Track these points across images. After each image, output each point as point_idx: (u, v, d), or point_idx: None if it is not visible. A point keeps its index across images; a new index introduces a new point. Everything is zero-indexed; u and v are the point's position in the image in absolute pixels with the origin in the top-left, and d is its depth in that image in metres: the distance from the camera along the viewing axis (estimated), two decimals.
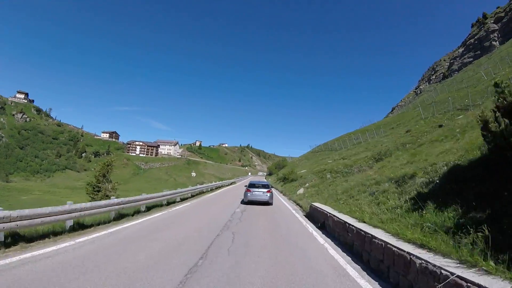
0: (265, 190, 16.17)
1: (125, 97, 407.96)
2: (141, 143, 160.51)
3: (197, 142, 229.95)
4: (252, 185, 16.75)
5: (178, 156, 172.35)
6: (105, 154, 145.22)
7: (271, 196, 16.14)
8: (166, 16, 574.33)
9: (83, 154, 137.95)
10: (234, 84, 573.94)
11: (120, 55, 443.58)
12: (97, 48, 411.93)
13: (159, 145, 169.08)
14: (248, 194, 15.97)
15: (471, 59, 61.91)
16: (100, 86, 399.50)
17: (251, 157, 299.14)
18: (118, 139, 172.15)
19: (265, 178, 63.68)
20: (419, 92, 75.22)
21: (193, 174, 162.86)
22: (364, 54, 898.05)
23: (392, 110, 71.16)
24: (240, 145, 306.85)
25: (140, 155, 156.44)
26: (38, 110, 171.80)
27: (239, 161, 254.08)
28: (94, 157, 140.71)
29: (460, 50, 71.20)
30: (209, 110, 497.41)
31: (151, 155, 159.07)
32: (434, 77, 76.98)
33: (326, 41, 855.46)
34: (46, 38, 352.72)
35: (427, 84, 76.58)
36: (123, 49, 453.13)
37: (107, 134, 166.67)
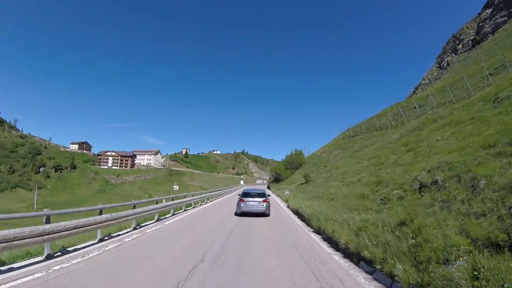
0: (261, 199, 14.63)
1: (113, 113, 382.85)
2: (113, 154, 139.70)
3: (184, 150, 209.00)
4: (246, 194, 15.03)
5: (159, 167, 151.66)
6: (68, 169, 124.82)
7: (268, 206, 14.59)
8: (146, 22, 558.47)
9: (41, 169, 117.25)
10: (225, 90, 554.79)
11: (110, 69, 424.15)
12: (92, 63, 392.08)
13: (135, 155, 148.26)
14: (242, 205, 14.48)
15: (504, 18, 53.20)
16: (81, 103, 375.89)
17: (247, 164, 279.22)
18: (90, 150, 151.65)
19: (271, 191, 42.47)
20: (445, 65, 62.45)
21: (175, 187, 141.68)
22: (362, 47, 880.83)
23: (415, 91, 55.57)
24: (235, 152, 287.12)
25: (113, 167, 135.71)
26: (1, 122, 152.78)
27: (233, 168, 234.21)
28: (55, 172, 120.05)
29: (488, 11, 59.53)
30: (199, 118, 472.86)
31: (125, 166, 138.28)
32: (460, 46, 64.79)
33: (319, 38, 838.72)
34: (34, 53, 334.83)
35: (454, 55, 64.14)
36: (116, 62, 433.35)
37: (76, 145, 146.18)
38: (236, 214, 14.81)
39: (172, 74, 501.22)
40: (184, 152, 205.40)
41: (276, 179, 55.97)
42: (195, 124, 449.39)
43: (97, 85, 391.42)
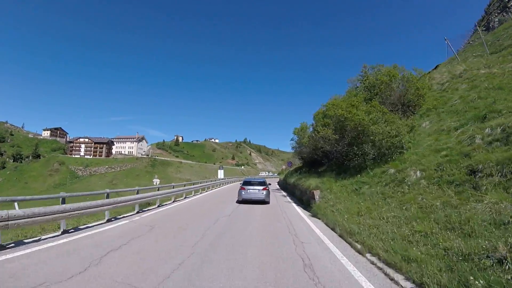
0: (261, 187, 15.07)
1: (118, 106, 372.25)
2: (86, 140, 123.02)
3: (175, 137, 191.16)
4: (247, 183, 15.71)
5: (141, 156, 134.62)
6: (30, 158, 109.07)
7: (268, 194, 15.16)
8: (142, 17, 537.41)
9: None
10: (229, 82, 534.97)
11: (115, 62, 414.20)
12: (93, 57, 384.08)
13: (112, 142, 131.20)
14: (243, 193, 15.09)
15: None
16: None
17: (250, 154, 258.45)
18: (64, 137, 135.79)
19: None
20: (496, 25, 47.76)
21: (156, 181, 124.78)
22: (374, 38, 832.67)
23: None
24: (236, 140, 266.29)
25: (86, 156, 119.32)
26: None
27: (233, 158, 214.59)
28: (13, 161, 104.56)
29: None
30: (198, 109, 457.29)
31: (100, 155, 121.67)
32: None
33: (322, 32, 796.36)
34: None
35: (504, 14, 50.78)
36: (118, 55, 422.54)
37: (49, 132, 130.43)
38: (238, 201, 15.14)
39: (179, 68, 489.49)
40: (175, 140, 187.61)
41: (313, 162, 20.83)
42: (193, 116, 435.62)
43: (97, 80, 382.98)
